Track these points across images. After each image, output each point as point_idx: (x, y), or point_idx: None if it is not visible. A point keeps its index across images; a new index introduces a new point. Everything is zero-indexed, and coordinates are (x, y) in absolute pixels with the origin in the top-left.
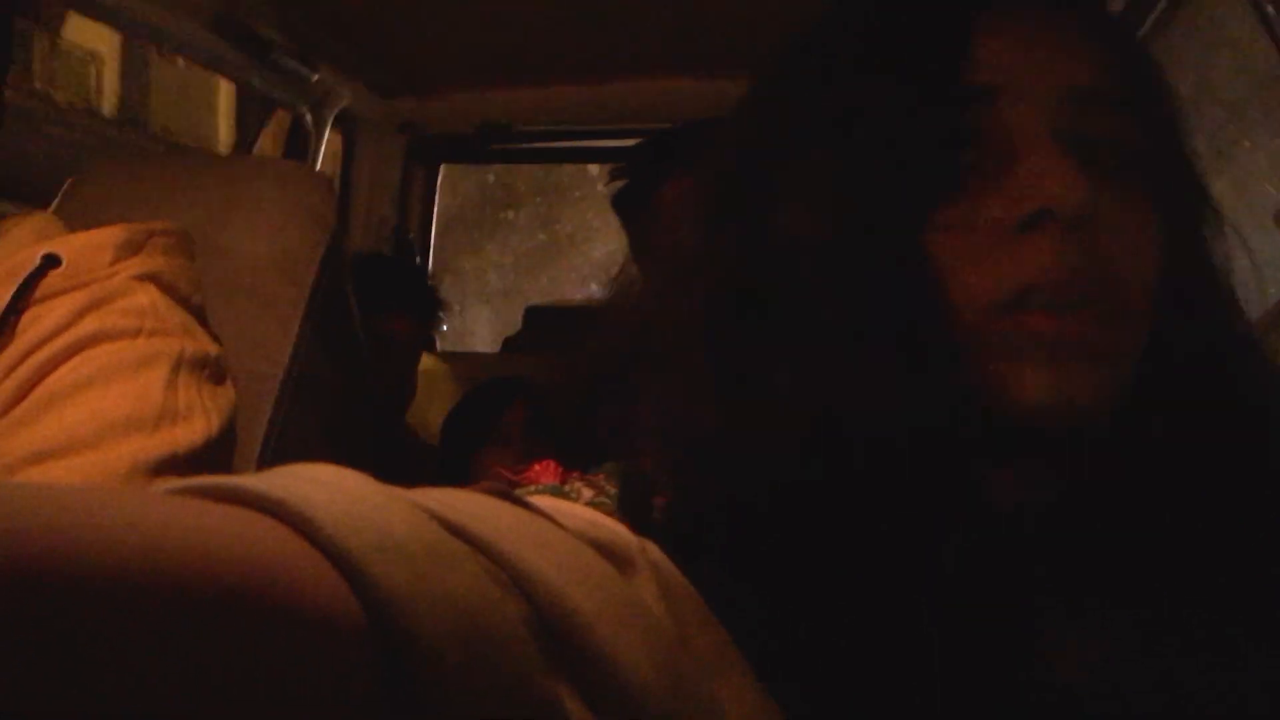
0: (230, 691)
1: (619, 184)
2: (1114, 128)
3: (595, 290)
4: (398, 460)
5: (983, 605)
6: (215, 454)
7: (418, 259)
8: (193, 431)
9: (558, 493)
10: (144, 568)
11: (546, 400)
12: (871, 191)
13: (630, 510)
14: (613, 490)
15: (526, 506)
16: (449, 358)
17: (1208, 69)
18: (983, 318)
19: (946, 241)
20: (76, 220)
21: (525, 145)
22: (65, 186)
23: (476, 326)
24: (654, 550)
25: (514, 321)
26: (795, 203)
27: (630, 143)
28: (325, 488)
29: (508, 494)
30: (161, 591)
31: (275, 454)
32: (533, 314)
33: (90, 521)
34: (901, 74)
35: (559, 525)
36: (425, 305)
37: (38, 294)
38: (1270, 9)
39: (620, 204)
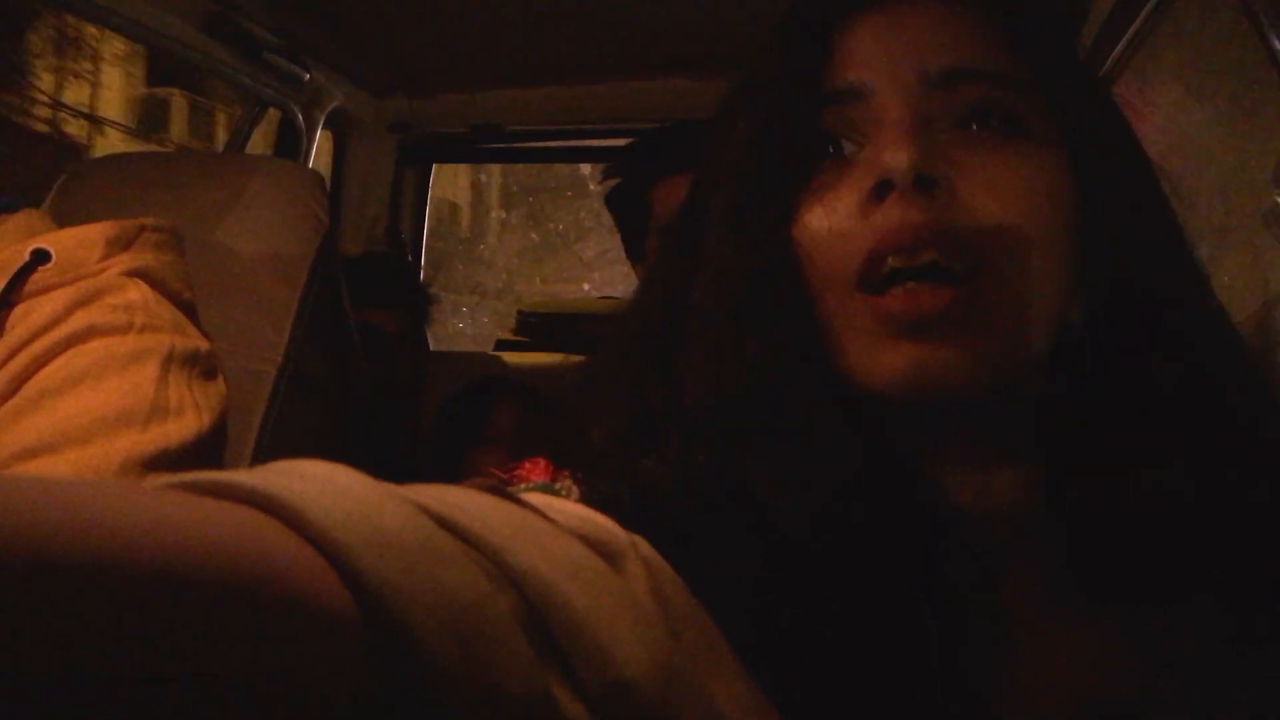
0: (222, 686)
1: (612, 183)
2: (986, 97)
3: (588, 289)
4: (393, 458)
5: (958, 609)
6: (207, 450)
7: (409, 258)
8: (184, 427)
9: (548, 490)
10: (135, 561)
11: (536, 399)
12: (746, 194)
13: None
14: (602, 488)
15: (518, 502)
16: (442, 357)
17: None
18: (842, 298)
19: (808, 231)
20: (69, 217)
21: (516, 145)
22: (58, 184)
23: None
24: (645, 546)
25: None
26: (711, 213)
27: (621, 142)
28: (317, 483)
29: (500, 490)
30: (153, 585)
31: (269, 451)
32: (526, 316)
33: (80, 514)
34: (777, 83)
35: (551, 520)
36: (414, 301)
37: (27, 289)
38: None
39: (613, 203)
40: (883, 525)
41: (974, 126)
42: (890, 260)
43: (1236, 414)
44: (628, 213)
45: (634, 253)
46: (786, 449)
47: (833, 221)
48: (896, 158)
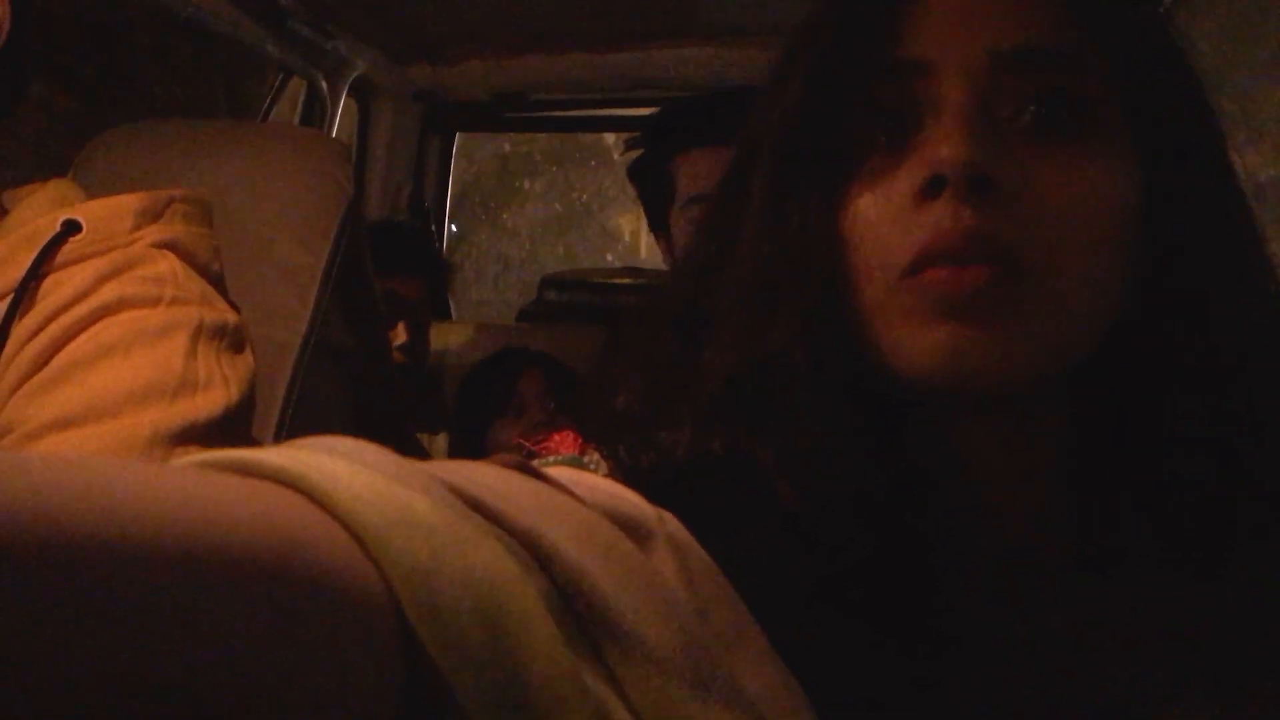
0: (251, 666)
1: (635, 154)
2: (1058, 82)
3: (611, 260)
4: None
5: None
6: (235, 423)
7: (433, 227)
8: (212, 401)
9: (576, 464)
10: (164, 541)
11: (560, 371)
12: (792, 169)
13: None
14: (630, 462)
15: (545, 479)
16: (464, 328)
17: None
18: (885, 287)
19: (857, 216)
20: (94, 186)
21: (540, 114)
22: (83, 151)
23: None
24: (672, 522)
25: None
26: (753, 186)
27: (646, 111)
28: (345, 461)
29: (526, 467)
30: (182, 565)
31: (294, 421)
32: (548, 284)
33: (105, 496)
34: (834, 50)
35: (578, 499)
36: (432, 267)
37: (58, 260)
38: None
39: (636, 175)
40: (892, 517)
41: (1043, 114)
42: (940, 262)
43: None
44: (650, 184)
45: (657, 224)
46: (799, 431)
47: (884, 212)
48: (953, 153)
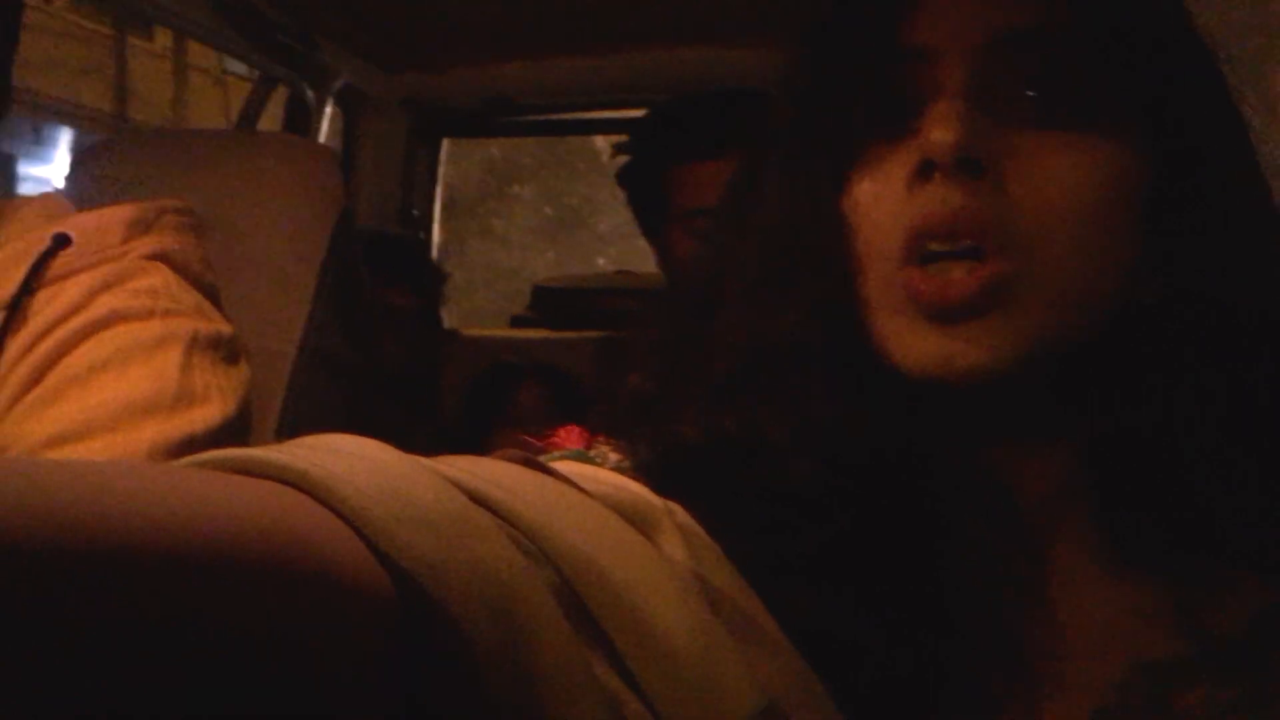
0: (258, 662)
1: (624, 158)
2: (1053, 66)
3: (603, 264)
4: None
5: (989, 572)
6: (233, 435)
7: (421, 235)
8: (209, 413)
9: (582, 458)
10: (170, 540)
11: (560, 380)
12: (800, 157)
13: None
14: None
15: (551, 473)
16: (456, 337)
17: None
18: (885, 275)
19: (857, 204)
20: (84, 198)
21: (528, 118)
22: (71, 165)
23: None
24: (681, 513)
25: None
26: (765, 178)
27: (635, 113)
28: (349, 458)
29: (532, 460)
30: (187, 564)
31: (291, 431)
32: (541, 292)
33: (114, 495)
34: (840, 45)
35: (583, 491)
36: (427, 279)
37: (49, 275)
38: None
39: (627, 182)
40: (901, 492)
41: (1043, 97)
42: (930, 244)
43: None
44: (641, 193)
45: (649, 230)
46: (810, 408)
47: (880, 197)
48: (943, 136)
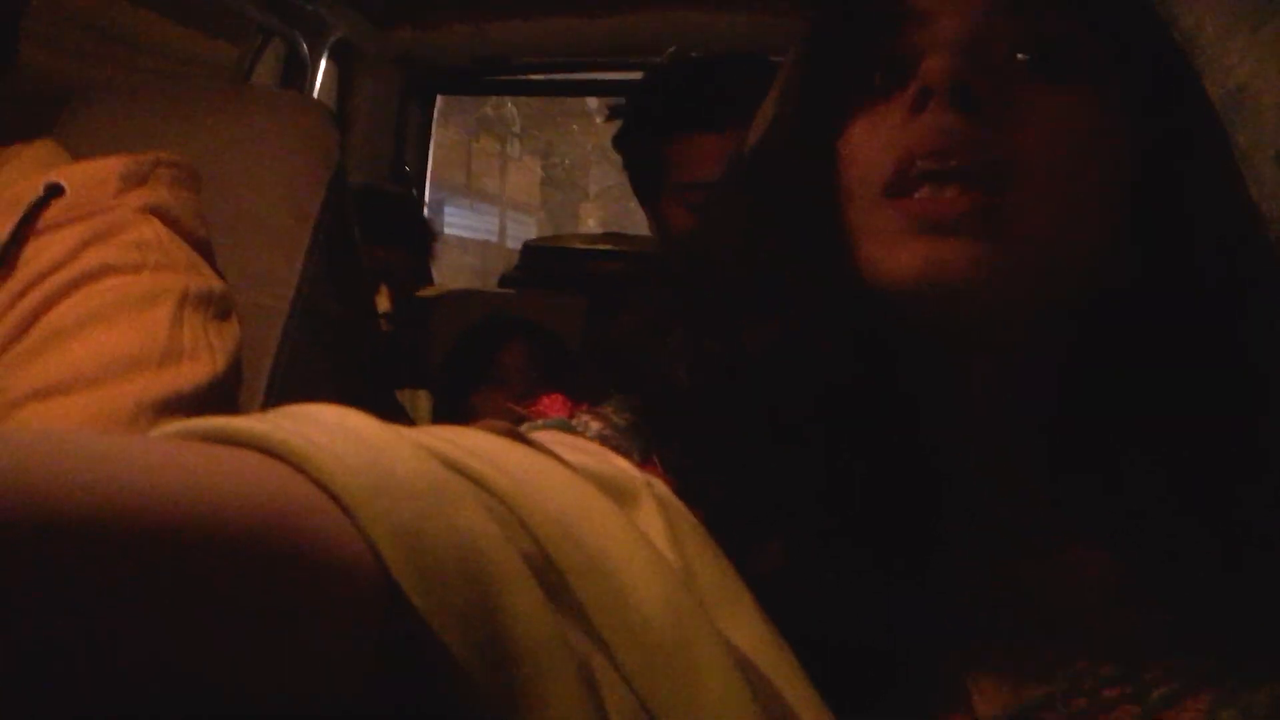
0: (236, 636)
1: (617, 123)
2: (1047, 28)
3: (592, 225)
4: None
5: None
6: (221, 393)
7: (414, 192)
8: (198, 370)
9: (565, 427)
10: (149, 514)
11: (544, 339)
12: (800, 108)
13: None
14: (619, 421)
15: (530, 444)
16: (445, 294)
17: None
18: (870, 203)
19: (850, 142)
20: (77, 147)
21: (522, 77)
22: (64, 111)
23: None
24: (659, 485)
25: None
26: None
27: (630, 75)
28: (328, 428)
29: (512, 431)
30: (165, 537)
31: (282, 388)
32: (530, 250)
33: (94, 469)
34: (843, 6)
35: (563, 462)
36: (419, 237)
37: (40, 224)
38: None
39: (621, 147)
40: (877, 417)
41: (1036, 58)
42: (920, 163)
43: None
44: (637, 161)
45: (644, 197)
46: (790, 333)
47: (876, 132)
48: (940, 64)
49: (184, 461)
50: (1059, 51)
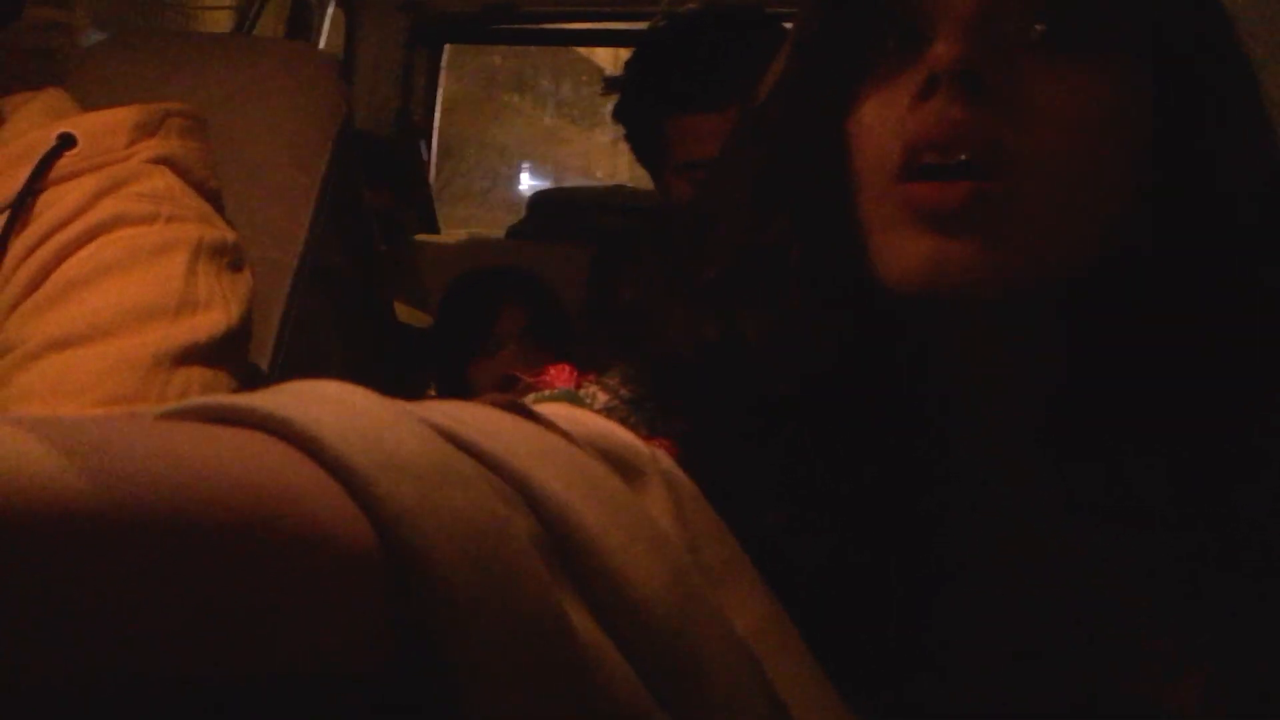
0: (240, 617)
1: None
2: (1069, 5)
3: (600, 177)
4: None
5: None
6: (235, 343)
7: (421, 142)
8: (213, 320)
9: (572, 398)
10: (154, 502)
11: (543, 299)
12: (807, 77)
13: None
14: (626, 393)
15: (536, 419)
16: (452, 244)
17: None
18: (876, 193)
19: (861, 123)
20: (88, 98)
21: (530, 26)
22: (76, 60)
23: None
24: (665, 459)
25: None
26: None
27: (638, 25)
28: (332, 406)
29: (517, 406)
30: (168, 520)
31: (290, 342)
32: (539, 200)
33: (99, 456)
34: None
35: (569, 438)
36: (406, 177)
37: (53, 175)
38: None
39: (623, 121)
40: (874, 402)
41: (1051, 28)
42: (925, 156)
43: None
44: (638, 134)
45: (648, 167)
46: (786, 313)
47: (885, 115)
48: (947, 51)
49: (187, 449)
50: (1078, 18)
